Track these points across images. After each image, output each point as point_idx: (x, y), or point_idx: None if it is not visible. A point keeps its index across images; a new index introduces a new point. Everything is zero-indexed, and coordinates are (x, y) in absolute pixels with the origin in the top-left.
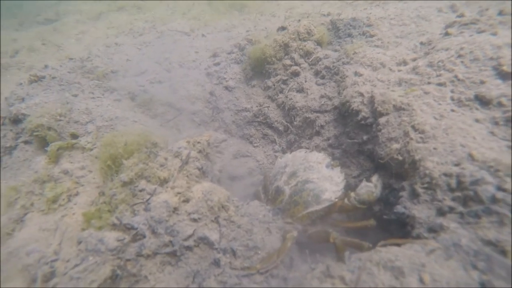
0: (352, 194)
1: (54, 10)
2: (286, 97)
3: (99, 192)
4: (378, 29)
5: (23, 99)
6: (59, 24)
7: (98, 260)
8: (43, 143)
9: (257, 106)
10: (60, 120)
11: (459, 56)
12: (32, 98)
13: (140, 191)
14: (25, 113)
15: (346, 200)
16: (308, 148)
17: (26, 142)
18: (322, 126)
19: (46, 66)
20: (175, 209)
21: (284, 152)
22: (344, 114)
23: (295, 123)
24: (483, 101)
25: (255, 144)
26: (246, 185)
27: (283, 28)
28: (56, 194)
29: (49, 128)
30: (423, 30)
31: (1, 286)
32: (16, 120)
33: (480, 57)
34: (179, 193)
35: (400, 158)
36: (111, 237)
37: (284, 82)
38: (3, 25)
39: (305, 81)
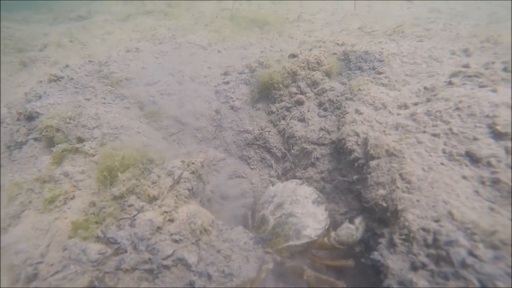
0: (332, 234)
1: (86, 8)
2: (288, 124)
3: (90, 202)
4: (388, 65)
5: (40, 97)
6: (89, 22)
7: (78, 270)
8: (51, 142)
9: (258, 130)
10: (69, 123)
11: (457, 109)
12: (48, 97)
13: (129, 206)
14: (38, 112)
15: (326, 239)
16: (301, 178)
17: (35, 139)
18: (317, 159)
19: (66, 66)
20: (159, 228)
21: (279, 177)
22: (339, 150)
23: (292, 151)
24: (473, 159)
25: (252, 167)
26: (237, 206)
27: (293, 56)
28: (54, 195)
29: (57, 130)
30: (433, 71)
31: None
32: (30, 117)
33: (477, 113)
34: (165, 212)
35: (385, 205)
36: (94, 249)
37: (288, 109)
38: (40, 18)
39: (308, 111)
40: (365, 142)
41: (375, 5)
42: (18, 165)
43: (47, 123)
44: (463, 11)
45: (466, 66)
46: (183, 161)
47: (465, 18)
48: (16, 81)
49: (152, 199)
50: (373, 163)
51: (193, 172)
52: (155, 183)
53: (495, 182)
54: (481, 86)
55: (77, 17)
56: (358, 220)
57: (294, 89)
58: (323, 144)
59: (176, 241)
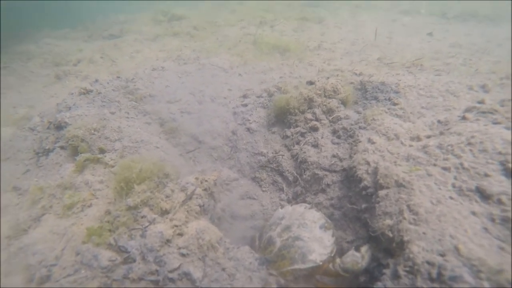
0: (338, 261)
1: (119, 28)
2: (301, 149)
3: (106, 211)
4: (404, 97)
5: (69, 108)
6: (120, 40)
7: (89, 275)
8: (75, 151)
9: (272, 153)
10: (93, 134)
11: (469, 144)
12: (77, 109)
13: (142, 217)
14: (67, 122)
15: (331, 266)
16: (311, 203)
17: (62, 147)
18: (328, 185)
19: (96, 81)
20: (168, 241)
21: (289, 201)
22: (350, 178)
23: (304, 176)
24: (484, 195)
25: (264, 189)
26: (247, 227)
27: (311, 83)
28: (73, 202)
29: (82, 140)
30: (449, 105)
31: (5, 279)
32: (59, 127)
33: (489, 149)
34: (176, 226)
35: (391, 235)
36: (105, 256)
37: (302, 134)
38: (77, 36)
39: (322, 138)
40: (375, 171)
41: (395, 37)
42: (43, 171)
43: (73, 133)
44: (485, 47)
45: (481, 102)
46: (197, 178)
47: (486, 54)
48: (50, 92)
49: (164, 212)
50: (382, 192)
51: (205, 189)
52: (169, 197)
53: (506, 220)
54: (495, 122)
55: (110, 35)
56: (364, 249)
57: (309, 115)
58: (334, 171)
59: (183, 255)
